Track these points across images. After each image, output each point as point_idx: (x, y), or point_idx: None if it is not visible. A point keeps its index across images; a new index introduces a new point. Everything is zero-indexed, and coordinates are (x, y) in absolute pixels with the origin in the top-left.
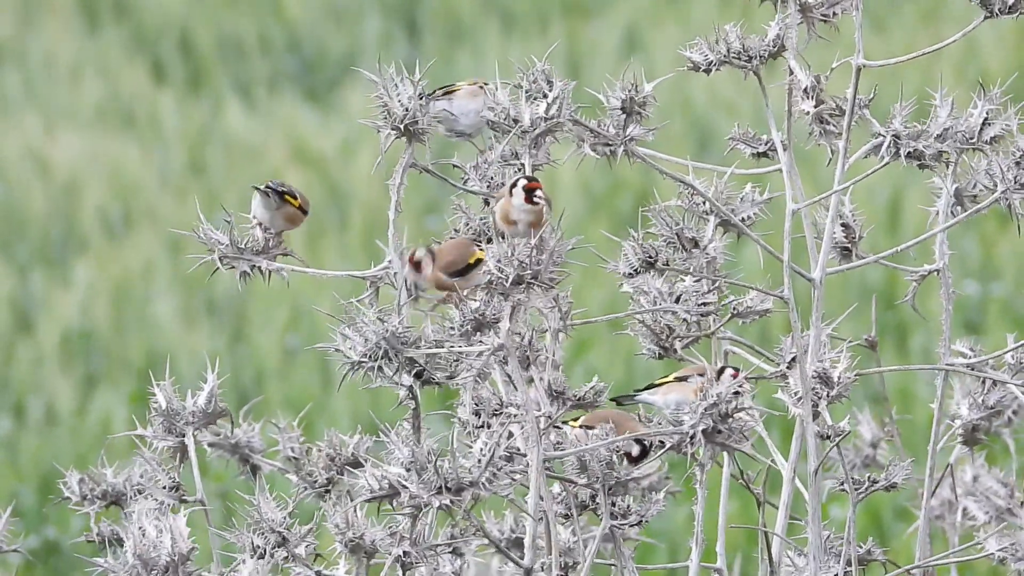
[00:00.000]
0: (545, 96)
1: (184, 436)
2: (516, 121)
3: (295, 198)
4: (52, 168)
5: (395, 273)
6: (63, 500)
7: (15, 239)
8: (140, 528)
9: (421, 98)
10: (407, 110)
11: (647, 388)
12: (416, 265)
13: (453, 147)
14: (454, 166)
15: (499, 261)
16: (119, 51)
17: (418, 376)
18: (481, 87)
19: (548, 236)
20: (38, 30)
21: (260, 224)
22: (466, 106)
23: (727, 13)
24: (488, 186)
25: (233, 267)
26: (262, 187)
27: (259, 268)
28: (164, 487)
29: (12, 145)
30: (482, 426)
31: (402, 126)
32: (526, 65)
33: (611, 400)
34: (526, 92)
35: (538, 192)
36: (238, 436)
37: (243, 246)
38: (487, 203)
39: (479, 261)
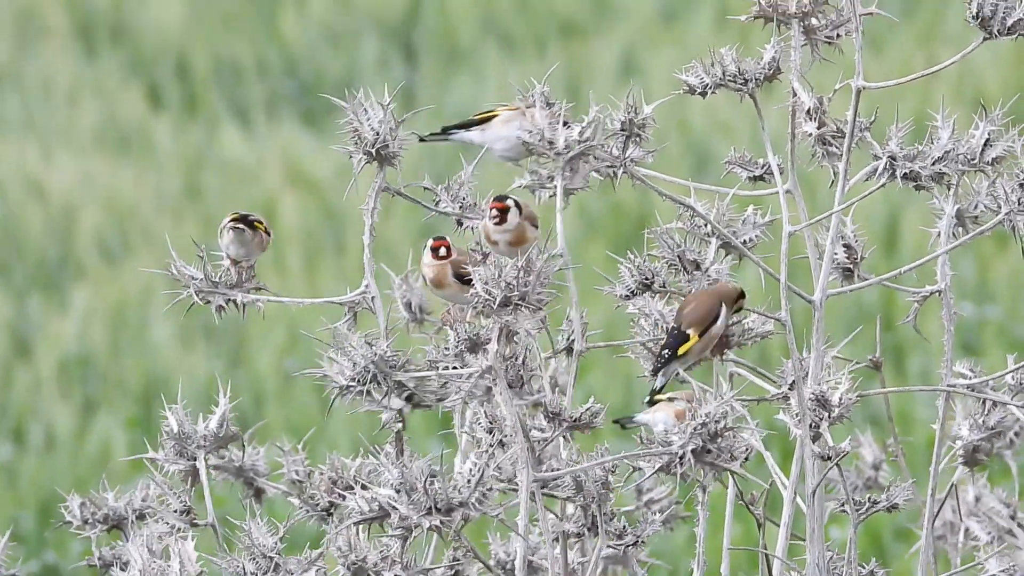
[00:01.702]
0: (581, 119)
1: (195, 460)
2: (551, 143)
3: (261, 223)
4: (49, 192)
5: (372, 298)
6: (64, 524)
7: (12, 263)
8: (149, 549)
9: (392, 122)
10: (377, 134)
11: (650, 404)
12: (435, 252)
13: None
14: (425, 188)
15: (486, 283)
16: (116, 75)
17: (408, 399)
18: (523, 112)
19: (536, 257)
20: (35, 54)
21: (233, 261)
22: (499, 133)
23: (724, 35)
24: (460, 207)
25: (209, 302)
26: (236, 224)
27: (234, 301)
28: (175, 510)
29: (9, 169)
30: (500, 444)
31: (373, 150)
32: (525, 87)
33: (614, 422)
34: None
35: (493, 212)
36: (243, 459)
37: (217, 280)
38: (459, 224)
39: None
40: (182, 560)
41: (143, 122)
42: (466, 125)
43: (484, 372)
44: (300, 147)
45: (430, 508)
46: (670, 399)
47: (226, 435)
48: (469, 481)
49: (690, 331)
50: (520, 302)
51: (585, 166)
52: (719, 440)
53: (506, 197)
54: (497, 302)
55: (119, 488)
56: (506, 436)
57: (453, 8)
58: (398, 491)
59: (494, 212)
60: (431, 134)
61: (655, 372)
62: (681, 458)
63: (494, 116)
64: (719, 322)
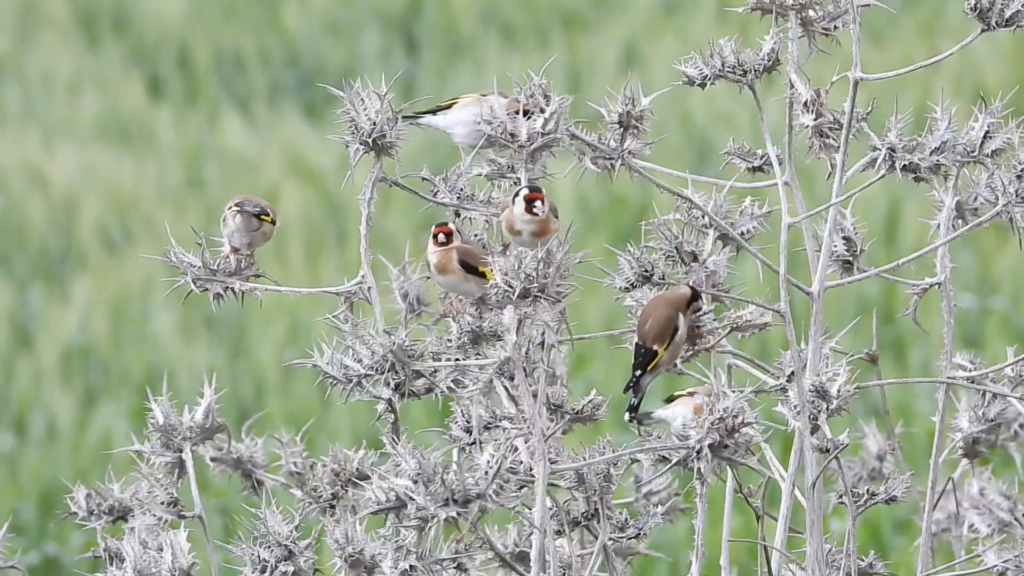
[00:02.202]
0: (542, 111)
1: (182, 451)
2: (513, 136)
3: (268, 215)
4: (50, 183)
5: (369, 288)
6: (69, 515)
7: (14, 254)
8: (141, 543)
9: (390, 112)
10: (374, 124)
11: (668, 400)
12: (435, 238)
13: (427, 159)
14: (423, 179)
15: (506, 274)
16: (117, 66)
17: (397, 388)
18: (478, 97)
19: (555, 249)
20: (36, 45)
21: (233, 248)
22: (457, 118)
23: (726, 27)
24: (458, 198)
25: (207, 289)
26: (247, 210)
27: (232, 289)
28: (162, 503)
29: (11, 160)
30: (473, 443)
31: (370, 140)
32: (524, 79)
33: (631, 419)
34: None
35: (538, 203)
36: (241, 451)
37: (216, 268)
38: (457, 214)
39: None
40: (174, 551)
41: (144, 113)
42: (432, 110)
43: (503, 363)
44: (301, 138)
45: (447, 499)
46: (690, 393)
47: (212, 426)
48: (487, 473)
49: (655, 346)
50: (540, 294)
51: (542, 153)
52: (736, 435)
53: (540, 188)
54: (517, 293)
55: (124, 479)
56: (483, 436)
57: None
58: (415, 482)
59: (536, 202)
60: (404, 116)
61: (628, 389)
62: (698, 452)
63: (454, 103)
64: (680, 331)
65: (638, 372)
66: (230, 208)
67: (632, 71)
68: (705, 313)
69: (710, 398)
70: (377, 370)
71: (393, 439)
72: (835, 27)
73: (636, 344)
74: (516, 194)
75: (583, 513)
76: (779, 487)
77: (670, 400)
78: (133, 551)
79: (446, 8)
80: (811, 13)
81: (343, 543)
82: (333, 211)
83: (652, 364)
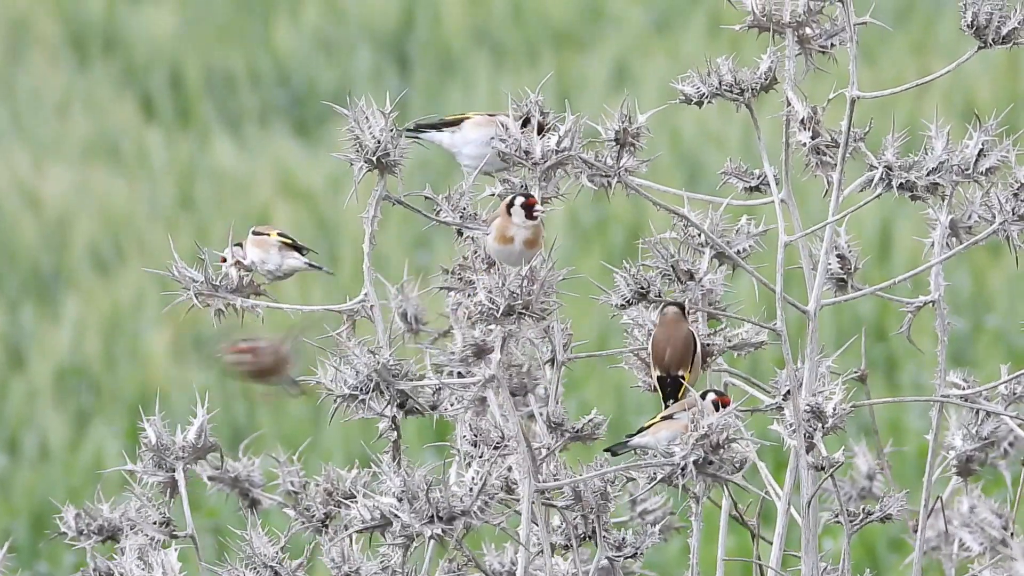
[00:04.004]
0: (542, 126)
1: (175, 471)
2: (527, 153)
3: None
4: (41, 202)
5: (371, 307)
6: (59, 535)
7: (5, 273)
8: (135, 562)
9: (393, 131)
10: (379, 142)
11: (638, 432)
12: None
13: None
14: (426, 197)
15: (490, 291)
16: (108, 85)
17: (401, 406)
18: (490, 117)
19: (539, 266)
20: (26, 63)
21: (237, 263)
22: (468, 137)
23: (716, 45)
24: (460, 217)
25: (208, 305)
26: (302, 245)
27: (233, 306)
28: (154, 522)
29: (1, 179)
30: (480, 457)
31: (374, 159)
32: (518, 97)
33: (605, 451)
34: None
35: (537, 207)
36: (238, 470)
37: (217, 283)
38: (460, 234)
39: None
40: (164, 570)
41: (136, 132)
42: (437, 126)
43: (487, 381)
44: (292, 157)
45: (432, 517)
46: (667, 417)
47: (205, 446)
48: (471, 489)
49: (680, 373)
50: (524, 311)
51: (555, 173)
52: (721, 451)
53: (532, 194)
54: (501, 311)
55: (114, 499)
56: (496, 449)
57: (446, 18)
58: (400, 499)
59: (536, 207)
60: (407, 130)
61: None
62: (683, 469)
63: (466, 119)
64: (697, 348)
65: (670, 402)
66: (273, 243)
67: (623, 89)
68: (714, 334)
69: (690, 410)
70: (362, 390)
71: (392, 457)
72: (832, 45)
73: (659, 377)
74: (510, 203)
75: (580, 533)
76: (773, 505)
77: (641, 431)
78: (126, 569)
79: (437, 27)
80: (808, 31)
81: (339, 562)
82: (324, 230)
83: (682, 392)
